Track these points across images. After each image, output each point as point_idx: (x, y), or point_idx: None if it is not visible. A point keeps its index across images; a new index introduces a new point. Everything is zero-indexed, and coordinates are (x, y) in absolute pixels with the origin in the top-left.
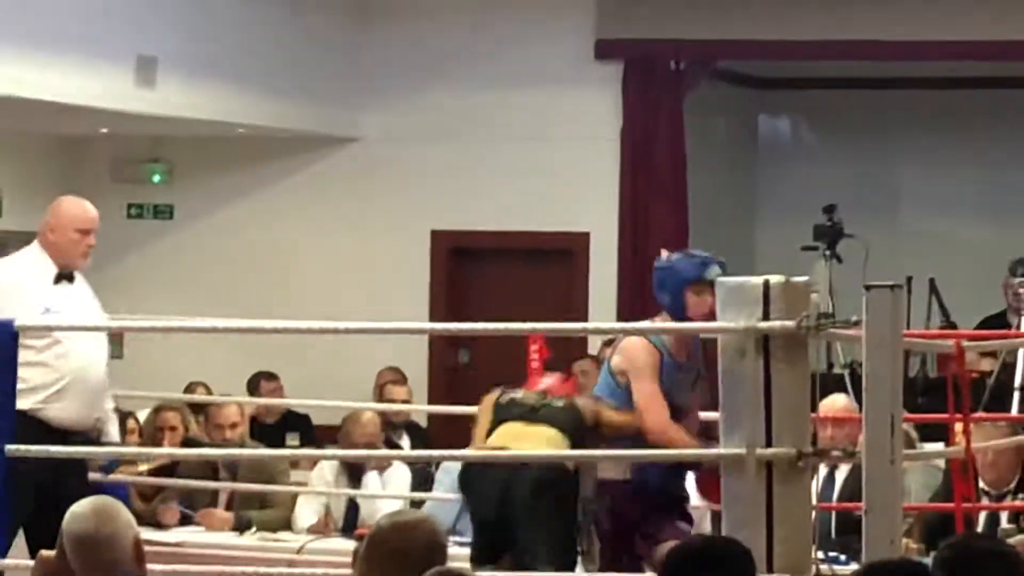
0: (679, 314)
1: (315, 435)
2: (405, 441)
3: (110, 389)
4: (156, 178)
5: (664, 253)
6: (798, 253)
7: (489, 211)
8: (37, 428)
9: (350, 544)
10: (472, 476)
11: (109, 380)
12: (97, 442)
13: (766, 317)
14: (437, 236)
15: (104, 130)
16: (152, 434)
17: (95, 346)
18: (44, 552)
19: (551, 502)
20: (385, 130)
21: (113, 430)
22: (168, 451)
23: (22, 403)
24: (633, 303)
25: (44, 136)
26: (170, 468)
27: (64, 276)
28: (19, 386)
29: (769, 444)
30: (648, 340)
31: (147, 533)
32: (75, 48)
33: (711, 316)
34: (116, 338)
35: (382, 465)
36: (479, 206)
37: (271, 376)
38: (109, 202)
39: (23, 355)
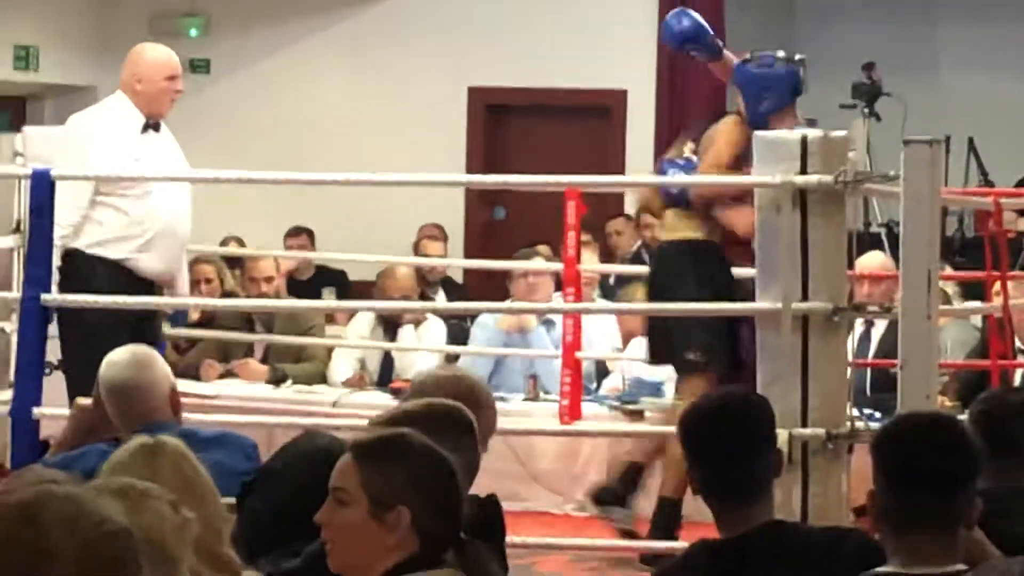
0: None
1: (351, 290)
2: (441, 296)
3: None
4: (193, 32)
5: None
6: (837, 111)
7: (526, 67)
8: (127, 277)
9: (385, 398)
10: None
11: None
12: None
13: (803, 172)
14: (474, 92)
15: None
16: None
17: (181, 197)
18: (80, 399)
19: None
20: None
21: (182, 282)
22: (208, 301)
23: (112, 252)
24: None
25: None
26: (206, 322)
27: (151, 125)
28: (107, 235)
29: (805, 299)
30: None
31: (184, 384)
32: None
33: None
34: None
35: (417, 319)
36: (516, 62)
37: (298, 231)
38: None
39: (114, 204)
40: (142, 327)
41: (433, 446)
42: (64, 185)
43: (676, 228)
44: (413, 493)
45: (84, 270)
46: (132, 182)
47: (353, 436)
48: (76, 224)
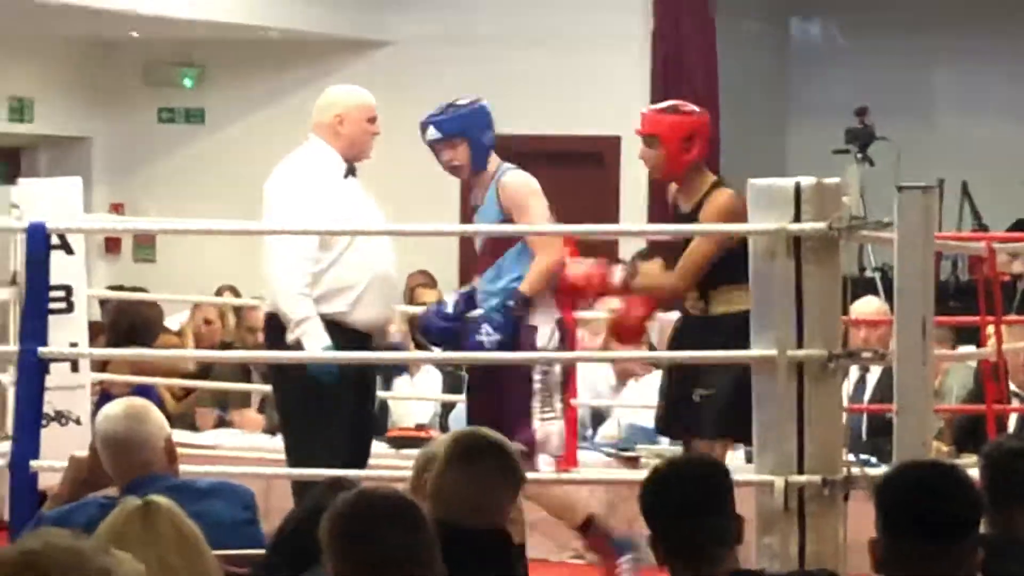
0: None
1: None
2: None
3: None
4: (187, 82)
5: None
6: (830, 156)
7: (520, 114)
8: (341, 331)
9: (381, 446)
10: None
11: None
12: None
13: (797, 219)
14: None
15: (135, 34)
16: (198, 331)
17: (387, 244)
18: (76, 453)
19: None
20: (416, 34)
21: (393, 330)
22: (205, 354)
23: (325, 308)
24: (665, 207)
25: (75, 40)
26: (202, 372)
27: (351, 170)
28: (319, 291)
29: (800, 346)
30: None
31: (181, 435)
32: None
33: None
34: (148, 242)
35: (412, 369)
36: (510, 109)
37: None
38: (140, 106)
39: (322, 258)
40: (365, 383)
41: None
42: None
43: (733, 301)
44: None
45: None
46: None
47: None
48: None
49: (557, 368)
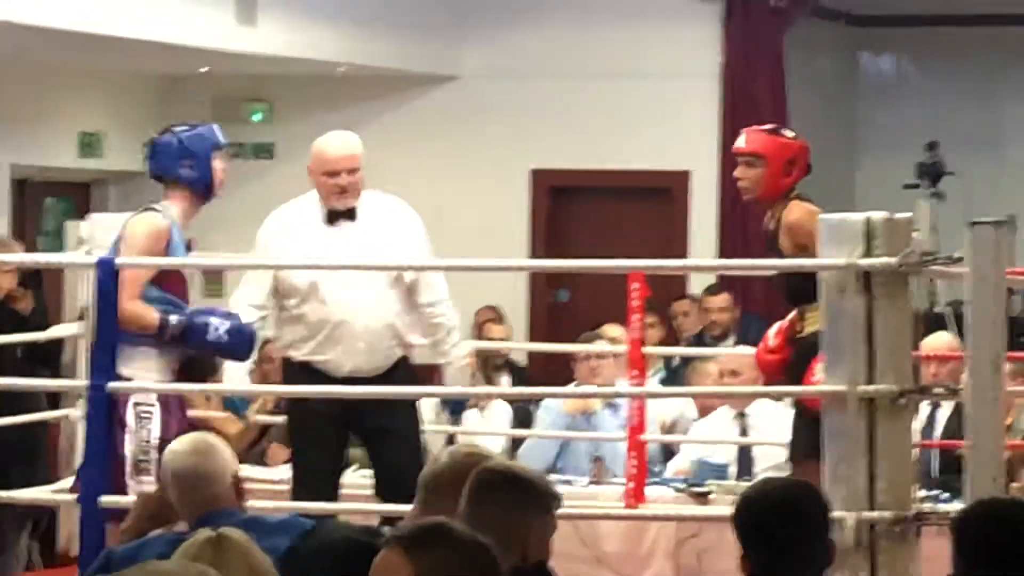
0: (207, 184)
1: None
2: (505, 380)
3: None
4: (256, 117)
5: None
6: (900, 191)
7: (589, 149)
8: (319, 378)
9: None
10: None
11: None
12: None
13: (868, 254)
14: (537, 175)
15: (205, 69)
16: (261, 369)
17: (364, 289)
18: (144, 489)
19: None
20: (485, 68)
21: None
22: (274, 388)
23: (294, 352)
24: (735, 242)
25: (145, 75)
26: (273, 407)
27: (337, 215)
28: (291, 337)
29: (871, 381)
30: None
31: (250, 470)
32: None
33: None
34: (216, 276)
35: (481, 403)
36: (579, 144)
37: None
38: None
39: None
40: (345, 421)
41: (474, 533)
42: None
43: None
44: None
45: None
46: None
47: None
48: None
49: None
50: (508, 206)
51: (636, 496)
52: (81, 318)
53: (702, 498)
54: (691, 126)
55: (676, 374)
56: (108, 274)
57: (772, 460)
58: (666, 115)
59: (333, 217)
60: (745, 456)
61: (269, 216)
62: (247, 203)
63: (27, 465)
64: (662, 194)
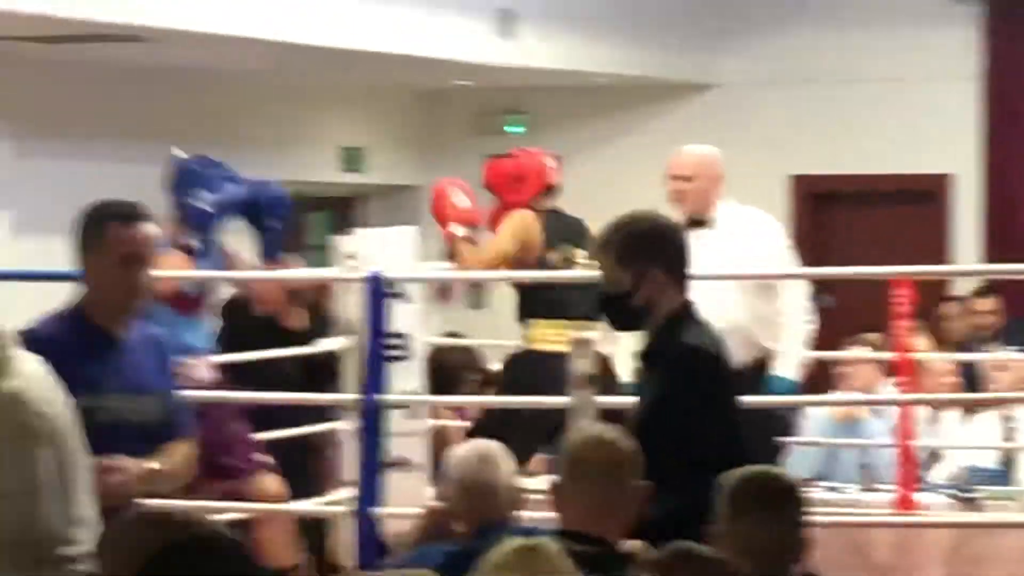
0: None
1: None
2: None
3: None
4: (516, 129)
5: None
6: None
7: (848, 154)
8: None
9: None
10: None
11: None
12: None
13: None
14: (796, 181)
15: (464, 82)
16: None
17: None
18: (429, 502)
19: None
20: (743, 75)
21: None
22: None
23: None
24: (1001, 245)
25: (405, 89)
26: None
27: (696, 223)
28: None
29: None
30: None
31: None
32: (435, 1)
33: None
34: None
35: None
36: (838, 149)
37: None
38: (470, 154)
39: None
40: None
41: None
42: None
43: None
44: None
45: None
46: None
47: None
48: None
49: None
50: (767, 212)
51: (905, 503)
52: (349, 331)
53: (973, 504)
54: (950, 129)
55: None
56: (376, 288)
57: None
58: (925, 119)
59: (689, 224)
60: (1009, 461)
61: None
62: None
63: (302, 477)
64: (923, 198)
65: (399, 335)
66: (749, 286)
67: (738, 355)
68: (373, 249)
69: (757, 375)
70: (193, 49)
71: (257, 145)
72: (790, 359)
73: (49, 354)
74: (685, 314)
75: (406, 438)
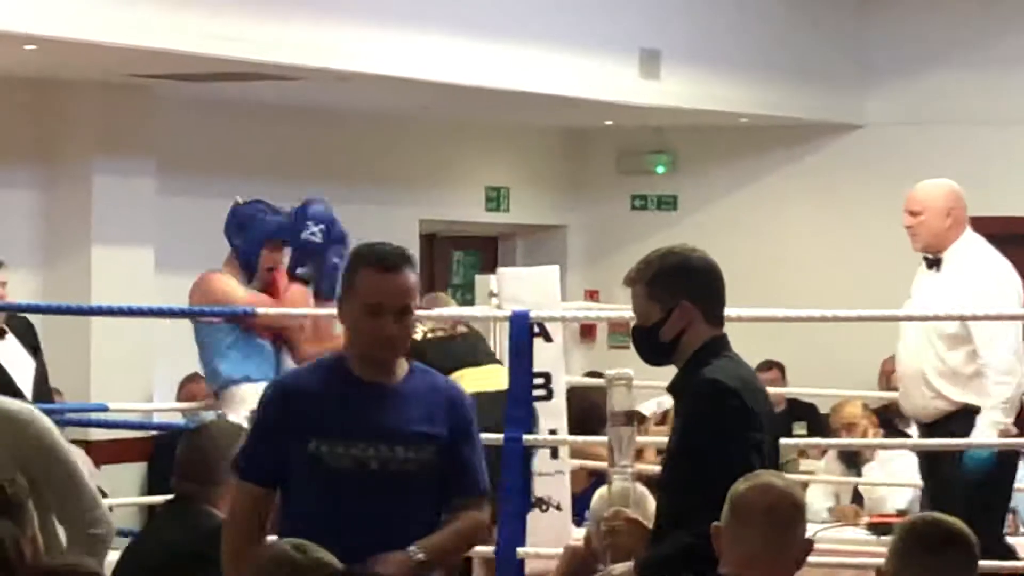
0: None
1: (821, 423)
2: (913, 429)
3: None
4: (660, 169)
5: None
6: None
7: (992, 196)
8: None
9: (860, 532)
10: None
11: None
12: None
13: None
14: None
15: (608, 122)
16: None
17: (915, 335)
18: (571, 542)
19: None
20: (889, 115)
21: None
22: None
23: None
24: None
25: (549, 129)
26: None
27: (932, 262)
28: None
29: None
30: None
31: None
32: (579, 42)
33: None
34: (622, 328)
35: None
36: (982, 191)
37: (769, 365)
38: (613, 193)
39: None
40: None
41: None
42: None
43: None
44: None
45: None
46: None
47: None
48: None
49: None
50: (911, 254)
51: None
52: None
53: None
54: None
55: None
56: (521, 327)
57: None
58: None
59: (926, 262)
60: None
61: None
62: None
63: None
64: None
65: (542, 375)
66: (940, 329)
67: (925, 400)
68: (517, 288)
69: (957, 429)
70: (342, 89)
71: (403, 184)
72: (987, 422)
73: (291, 399)
74: (715, 348)
75: (549, 477)
